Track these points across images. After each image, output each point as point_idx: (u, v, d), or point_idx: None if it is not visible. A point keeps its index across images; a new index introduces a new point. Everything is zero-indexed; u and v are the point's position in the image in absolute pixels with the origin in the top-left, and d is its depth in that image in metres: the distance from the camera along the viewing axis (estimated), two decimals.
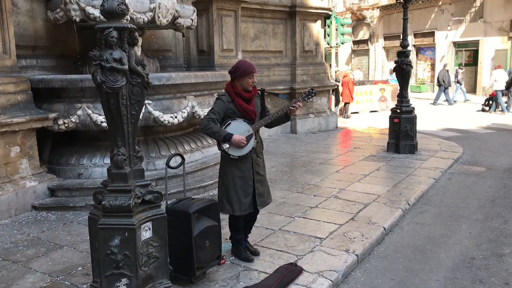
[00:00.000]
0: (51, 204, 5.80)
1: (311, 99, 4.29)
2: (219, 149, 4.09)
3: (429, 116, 15.56)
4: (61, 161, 6.42)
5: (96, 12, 6.13)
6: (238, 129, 4.00)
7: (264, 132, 10.17)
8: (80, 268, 4.13)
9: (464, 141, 10.84)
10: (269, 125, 4.22)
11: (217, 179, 4.33)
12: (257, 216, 4.45)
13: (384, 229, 5.15)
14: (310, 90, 4.30)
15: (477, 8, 23.62)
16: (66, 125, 6.09)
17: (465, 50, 25.16)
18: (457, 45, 25.21)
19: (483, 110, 17.03)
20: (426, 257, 4.61)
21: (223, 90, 4.24)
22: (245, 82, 4.04)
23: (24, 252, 4.51)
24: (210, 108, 4.17)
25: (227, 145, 4.00)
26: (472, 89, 24.34)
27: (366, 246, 4.64)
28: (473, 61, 24.75)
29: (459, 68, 22.16)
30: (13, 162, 5.72)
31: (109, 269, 3.10)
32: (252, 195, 4.14)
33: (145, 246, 3.19)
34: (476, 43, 23.95)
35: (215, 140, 4.18)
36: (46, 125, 6.04)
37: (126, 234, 3.07)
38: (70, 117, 6.05)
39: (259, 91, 4.25)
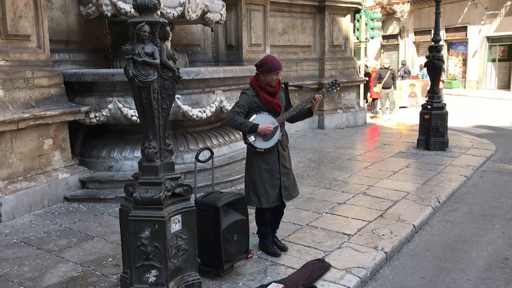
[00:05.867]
0: (82, 196, 5.92)
1: (334, 91, 4.24)
2: (245, 142, 4.10)
3: (461, 113, 15.21)
4: (92, 153, 6.54)
5: (127, 7, 6.23)
6: (263, 121, 4.00)
7: (291, 127, 10.18)
8: (110, 259, 4.21)
9: (497, 138, 10.54)
10: (292, 120, 4.22)
11: (244, 174, 4.34)
12: (285, 211, 4.44)
13: (414, 226, 5.07)
14: (334, 81, 4.25)
15: None
16: (97, 118, 6.20)
17: (499, 45, 24.45)
18: (491, 39, 24.49)
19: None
20: (457, 256, 4.52)
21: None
22: (270, 78, 4.05)
23: (57, 242, 4.63)
24: (235, 102, 4.19)
25: (253, 138, 4.01)
26: (506, 85, 23.68)
27: (395, 244, 4.57)
28: (507, 56, 24.04)
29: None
30: (46, 154, 5.86)
31: (139, 260, 3.15)
32: (279, 188, 4.15)
33: (174, 238, 3.23)
34: (511, 38, 23.23)
35: (242, 134, 4.19)
36: (78, 118, 6.17)
37: (156, 226, 3.11)
38: (101, 110, 6.15)
39: (282, 85, 4.24)
